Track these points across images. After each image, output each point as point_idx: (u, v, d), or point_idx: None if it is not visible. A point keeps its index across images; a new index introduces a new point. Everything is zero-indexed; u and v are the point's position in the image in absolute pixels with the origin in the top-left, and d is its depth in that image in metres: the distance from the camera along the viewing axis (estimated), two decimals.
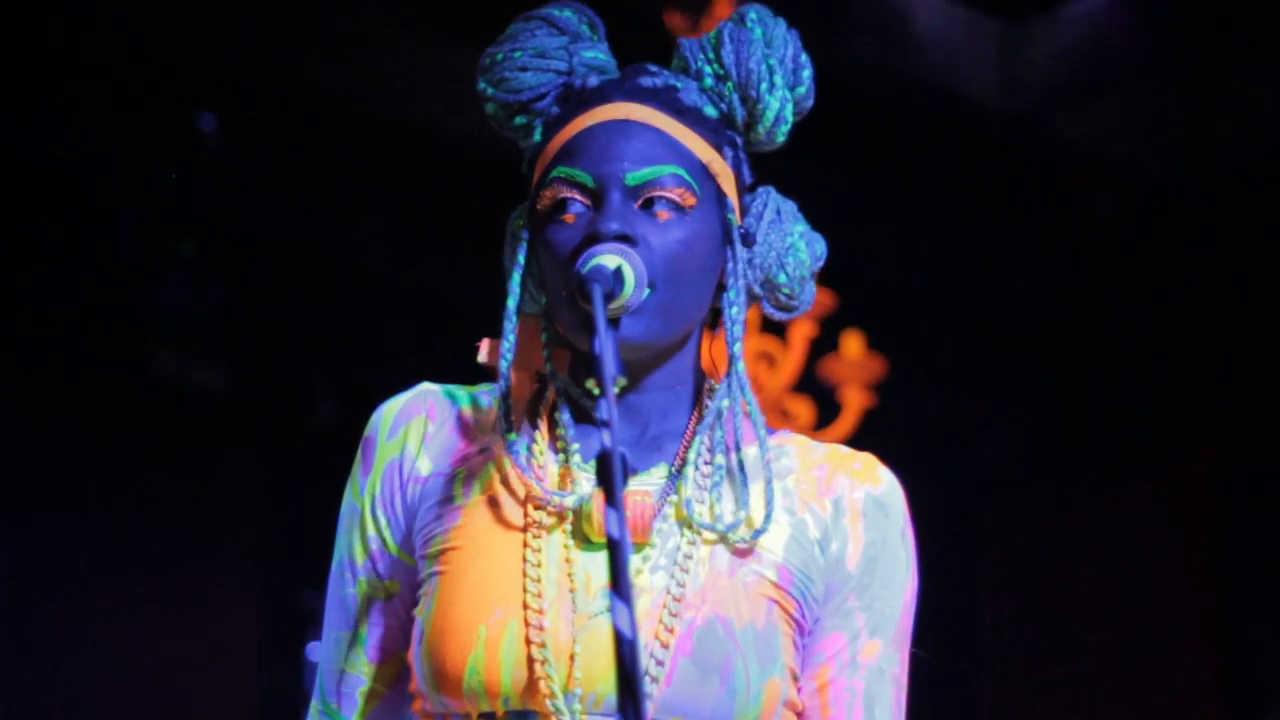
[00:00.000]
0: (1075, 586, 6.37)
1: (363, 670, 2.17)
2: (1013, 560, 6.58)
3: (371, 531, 2.17)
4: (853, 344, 5.78)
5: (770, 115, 2.18)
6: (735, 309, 2.15)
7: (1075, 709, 6.23)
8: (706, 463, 2.12)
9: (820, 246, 2.24)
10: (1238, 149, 5.77)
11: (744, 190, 2.19)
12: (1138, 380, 6.37)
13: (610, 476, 1.80)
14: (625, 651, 1.74)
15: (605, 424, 1.81)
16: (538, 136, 2.16)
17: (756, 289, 2.19)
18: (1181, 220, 5.99)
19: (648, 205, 2.08)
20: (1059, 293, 6.28)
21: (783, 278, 2.21)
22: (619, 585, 1.76)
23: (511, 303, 2.13)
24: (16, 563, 5.71)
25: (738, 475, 2.12)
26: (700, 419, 2.14)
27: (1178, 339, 6.24)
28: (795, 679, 2.11)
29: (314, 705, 2.20)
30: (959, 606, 6.57)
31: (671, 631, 2.03)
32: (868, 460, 2.19)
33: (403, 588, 2.16)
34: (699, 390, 2.16)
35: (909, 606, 2.16)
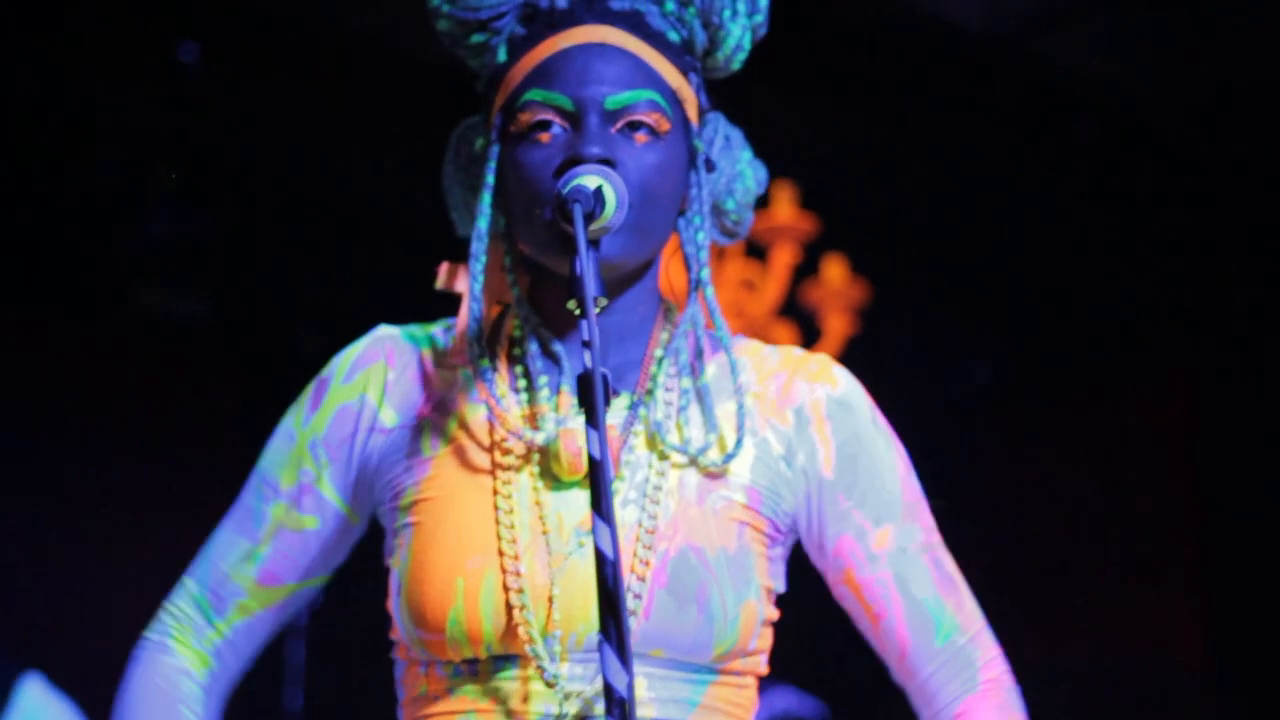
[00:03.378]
0: (1057, 508, 6.40)
1: (246, 585, 2.19)
2: (994, 482, 6.62)
3: (307, 466, 2.18)
4: (835, 269, 5.79)
5: (731, 42, 2.19)
6: (700, 233, 2.17)
7: (1058, 629, 6.27)
8: (670, 389, 2.13)
9: (763, 173, 2.26)
10: (1218, 72, 5.77)
11: (702, 116, 2.20)
12: (1119, 301, 6.39)
13: (592, 397, 1.82)
14: (607, 572, 1.76)
15: (587, 345, 1.83)
16: (502, 56, 2.16)
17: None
18: (1162, 143, 6.00)
19: (624, 129, 2.09)
20: (1040, 216, 6.29)
21: (731, 203, 2.23)
22: (600, 506, 1.78)
23: (483, 223, 2.14)
24: None
25: (705, 398, 2.13)
26: (665, 343, 2.15)
27: (1158, 260, 6.25)
28: (771, 595, 2.13)
29: (188, 584, 2.22)
30: (941, 529, 6.60)
31: (647, 565, 2.04)
32: (822, 362, 2.20)
33: (320, 526, 2.18)
34: (657, 315, 2.17)
35: (907, 479, 2.19)
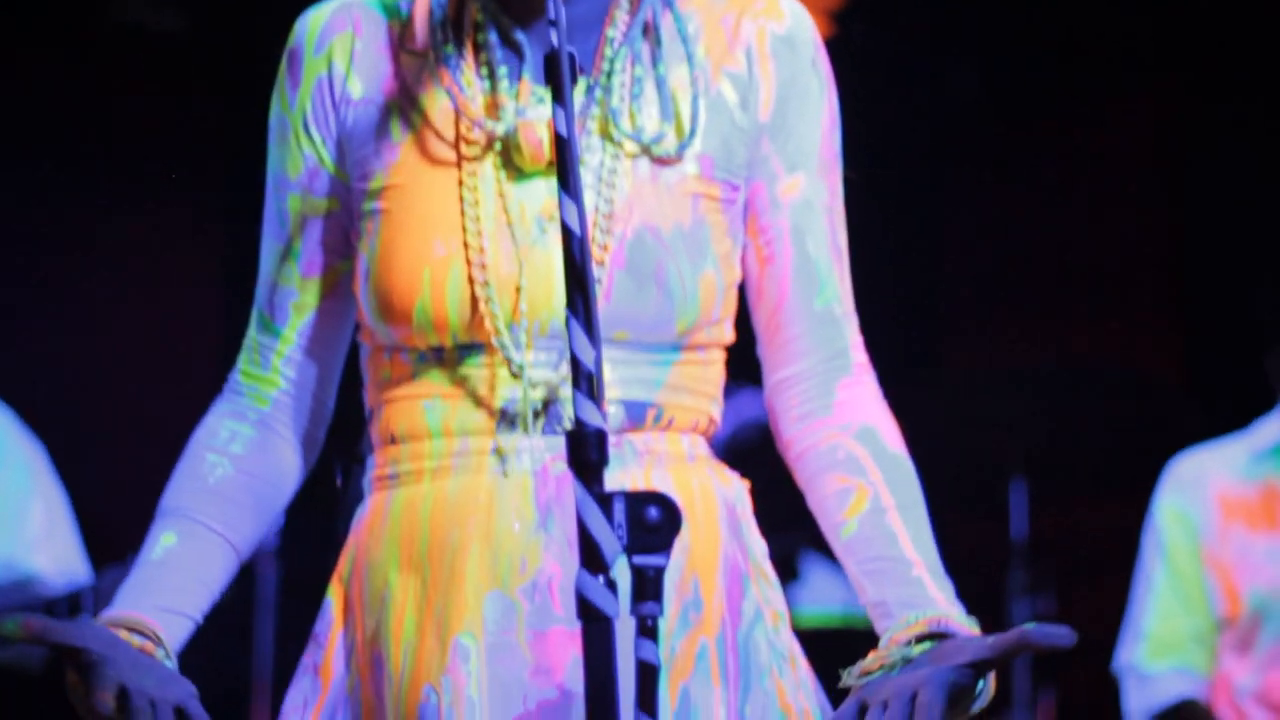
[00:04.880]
0: (1034, 220, 6.42)
1: (294, 284, 2.19)
2: (971, 203, 6.63)
3: (307, 149, 2.18)
4: None
5: None
6: None
7: (1029, 335, 6.32)
8: (625, 73, 2.13)
9: None
10: None
11: None
12: (1093, 18, 6.34)
13: (559, 76, 1.83)
14: (574, 248, 1.79)
15: (553, 23, 1.84)
16: None
17: None
18: None
19: None
20: None
21: None
22: (568, 183, 1.79)
23: None
24: None
25: (662, 87, 2.13)
26: (623, 29, 2.14)
27: None
28: (731, 258, 2.15)
29: (254, 312, 2.22)
30: (918, 254, 6.63)
31: (605, 249, 2.06)
32: None
33: (341, 207, 2.17)
34: (614, 1, 2.15)
35: (830, 133, 2.18)
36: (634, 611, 1.76)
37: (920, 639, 2.00)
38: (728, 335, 2.17)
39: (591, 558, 1.76)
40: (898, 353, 4.84)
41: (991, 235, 6.50)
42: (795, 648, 2.13)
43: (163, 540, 2.13)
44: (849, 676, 2.00)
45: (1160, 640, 4.09)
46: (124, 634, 2.04)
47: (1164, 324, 6.23)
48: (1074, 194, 6.38)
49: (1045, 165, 6.46)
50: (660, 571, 1.77)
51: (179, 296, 6.07)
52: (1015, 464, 4.89)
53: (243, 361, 2.22)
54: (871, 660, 2.00)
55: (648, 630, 1.75)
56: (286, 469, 2.21)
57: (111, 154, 5.93)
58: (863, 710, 1.95)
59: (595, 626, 1.75)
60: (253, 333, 2.22)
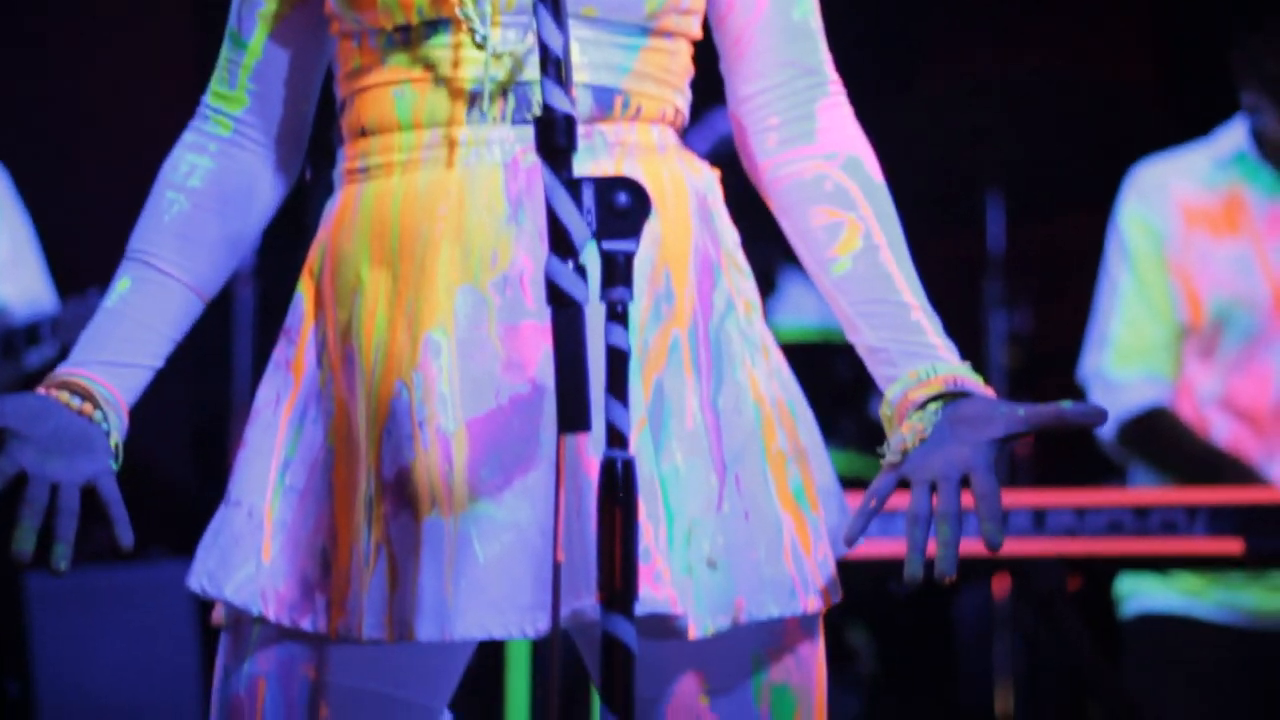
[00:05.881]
0: None
1: None
2: None
3: None
4: None
5: None
6: None
7: (1009, 41, 6.28)
8: None
9: None
10: None
11: None
12: None
13: None
14: None
15: None
16: None
17: None
18: None
19: None
20: None
21: None
22: None
23: None
24: None
25: None
26: None
27: None
28: None
29: (225, 33, 2.19)
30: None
31: None
32: None
33: None
34: None
35: None
36: (603, 297, 1.76)
37: (936, 397, 2.03)
38: (695, 29, 2.15)
39: (561, 243, 1.76)
40: (873, 69, 4.82)
41: None
42: (768, 338, 2.13)
43: (118, 287, 2.13)
44: (890, 453, 2.03)
45: (1127, 347, 4.10)
46: (64, 396, 2.06)
47: (1139, 34, 6.18)
48: None
49: None
50: (630, 257, 1.77)
51: (149, 29, 6.01)
52: (992, 177, 4.88)
53: (212, 82, 2.19)
54: (908, 434, 2.03)
55: (617, 316, 1.76)
56: (258, 191, 2.19)
57: None
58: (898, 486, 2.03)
59: (565, 312, 1.75)
60: (223, 50, 2.19)
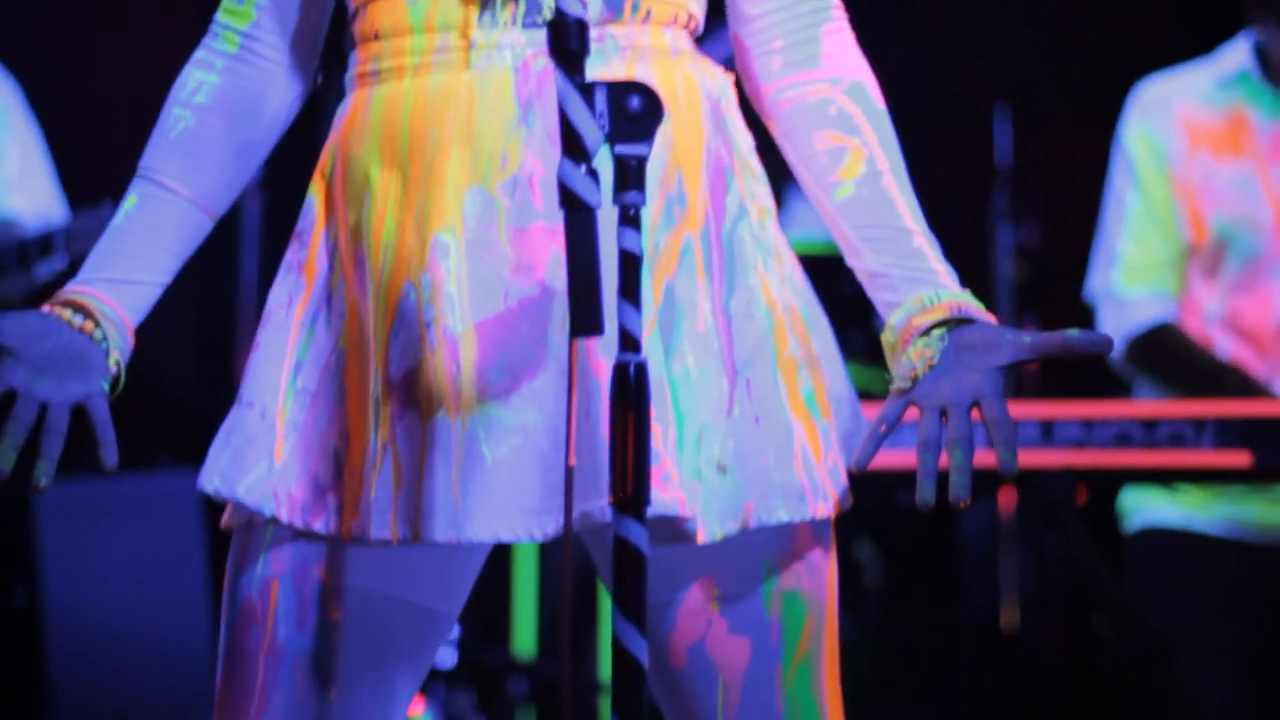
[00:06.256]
0: None
1: None
2: None
3: None
4: None
5: None
6: None
7: None
8: None
9: None
10: None
11: None
12: None
13: None
14: None
15: None
16: None
17: None
18: None
19: None
20: None
21: None
22: None
23: None
24: None
25: None
26: None
27: None
28: None
29: None
30: None
31: None
32: None
33: None
34: None
35: None
36: (616, 201, 1.76)
37: (941, 324, 2.03)
38: None
39: (573, 147, 1.75)
40: None
41: None
42: (781, 242, 2.13)
43: (126, 205, 2.13)
44: (898, 379, 2.03)
45: (1135, 264, 4.09)
46: (65, 314, 2.06)
47: None
48: None
49: None
50: (642, 161, 1.77)
51: None
52: (1000, 89, 4.86)
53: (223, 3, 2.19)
54: (917, 360, 2.02)
55: (630, 220, 1.76)
56: (267, 104, 2.18)
57: None
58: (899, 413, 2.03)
59: (577, 216, 1.75)
60: None
